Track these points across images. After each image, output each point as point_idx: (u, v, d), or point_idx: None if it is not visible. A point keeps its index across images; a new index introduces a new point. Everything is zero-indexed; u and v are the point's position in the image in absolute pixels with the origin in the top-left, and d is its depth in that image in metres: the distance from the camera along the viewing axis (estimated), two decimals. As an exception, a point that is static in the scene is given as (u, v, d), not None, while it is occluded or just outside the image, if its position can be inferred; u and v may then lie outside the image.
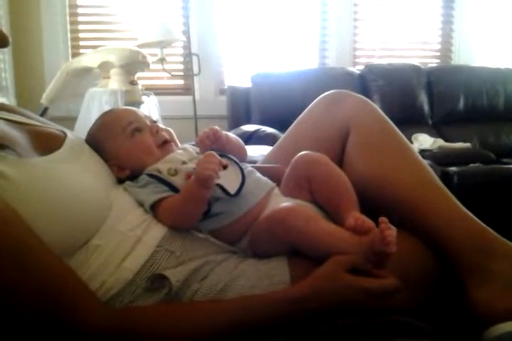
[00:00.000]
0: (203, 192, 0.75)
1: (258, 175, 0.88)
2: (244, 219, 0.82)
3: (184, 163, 0.85)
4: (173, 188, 0.81)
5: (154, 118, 0.96)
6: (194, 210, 0.78)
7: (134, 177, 0.86)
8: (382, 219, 0.69)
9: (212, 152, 0.78)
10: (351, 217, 0.76)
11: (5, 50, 2.64)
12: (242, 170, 0.85)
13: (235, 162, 0.86)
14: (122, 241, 0.75)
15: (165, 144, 0.89)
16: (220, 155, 0.82)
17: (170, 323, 0.68)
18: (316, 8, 3.37)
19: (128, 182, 0.85)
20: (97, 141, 0.91)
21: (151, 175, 0.83)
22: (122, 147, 0.88)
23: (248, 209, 0.82)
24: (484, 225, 0.85)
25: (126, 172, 0.88)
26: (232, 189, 0.81)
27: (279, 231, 0.76)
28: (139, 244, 0.75)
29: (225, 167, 0.84)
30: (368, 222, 0.74)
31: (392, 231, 0.68)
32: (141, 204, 0.81)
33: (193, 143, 0.95)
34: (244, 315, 0.70)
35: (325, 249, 0.74)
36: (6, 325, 0.61)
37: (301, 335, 0.74)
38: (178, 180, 0.82)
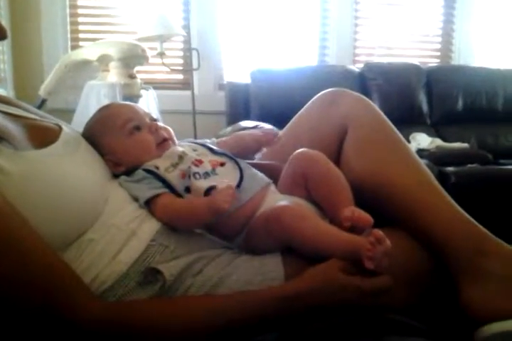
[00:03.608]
0: (207, 217, 0.76)
1: (253, 170, 0.88)
2: (238, 215, 0.81)
3: (181, 160, 0.84)
4: (168, 185, 0.81)
5: (153, 115, 0.95)
6: (190, 224, 0.79)
7: (129, 172, 0.85)
8: (377, 232, 0.69)
9: (231, 185, 0.77)
10: (348, 209, 0.76)
11: (4, 41, 2.62)
12: (241, 169, 0.84)
13: (234, 160, 0.86)
14: (116, 235, 0.75)
15: (163, 143, 0.89)
16: (221, 153, 0.81)
17: (165, 317, 0.68)
18: (317, 5, 3.37)
19: (123, 177, 0.84)
20: (94, 135, 0.90)
21: (148, 171, 0.83)
22: (120, 144, 0.87)
23: (241, 205, 0.81)
24: (480, 226, 0.85)
25: (121, 168, 0.87)
26: None
27: (274, 229, 0.76)
28: (133, 238, 0.75)
29: (222, 164, 0.84)
30: (365, 215, 0.75)
31: (380, 247, 0.68)
32: (135, 199, 0.81)
33: (192, 139, 0.95)
34: (239, 311, 0.70)
35: (320, 247, 0.74)
36: (2, 320, 0.61)
37: (294, 332, 0.74)
38: (173, 178, 0.82)
